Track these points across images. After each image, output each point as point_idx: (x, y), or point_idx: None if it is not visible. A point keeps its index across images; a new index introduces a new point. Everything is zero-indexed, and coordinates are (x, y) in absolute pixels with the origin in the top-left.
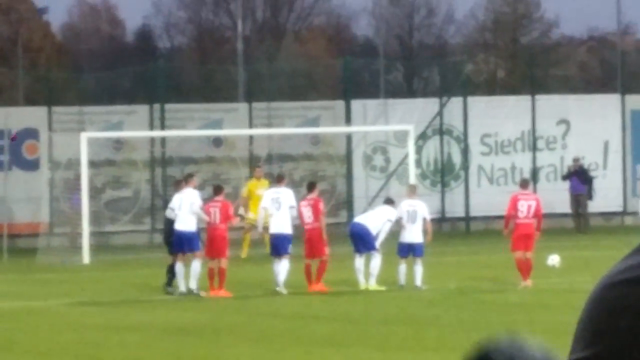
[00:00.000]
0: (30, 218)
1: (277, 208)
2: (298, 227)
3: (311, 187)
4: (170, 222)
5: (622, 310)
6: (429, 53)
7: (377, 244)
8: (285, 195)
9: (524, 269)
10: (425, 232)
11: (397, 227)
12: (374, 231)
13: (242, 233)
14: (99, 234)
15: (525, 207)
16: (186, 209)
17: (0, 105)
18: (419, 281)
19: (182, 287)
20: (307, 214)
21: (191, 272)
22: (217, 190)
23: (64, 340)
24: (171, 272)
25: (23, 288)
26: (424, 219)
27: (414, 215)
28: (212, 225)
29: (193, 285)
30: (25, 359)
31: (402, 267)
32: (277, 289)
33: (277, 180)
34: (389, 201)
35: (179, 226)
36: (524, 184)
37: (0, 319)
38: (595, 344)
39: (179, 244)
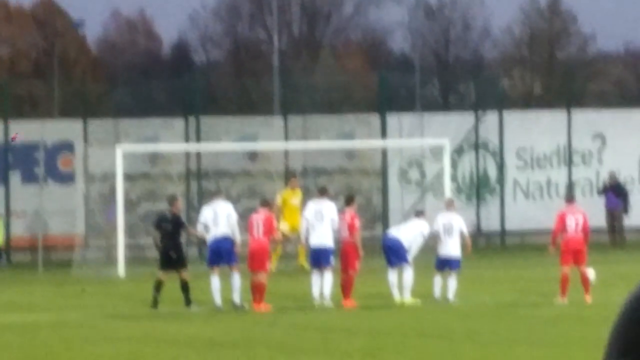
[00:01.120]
0: (65, 231)
1: (320, 220)
2: (336, 240)
3: (349, 200)
4: (168, 237)
5: None
6: (464, 67)
7: (410, 257)
8: (327, 207)
9: (568, 285)
10: (464, 246)
11: (433, 241)
12: (406, 244)
13: (273, 245)
14: (134, 246)
15: (573, 221)
16: (223, 222)
17: (36, 118)
18: (451, 295)
19: (217, 301)
20: (344, 228)
21: (233, 286)
22: (264, 203)
23: (100, 353)
24: (157, 290)
25: (58, 301)
26: (462, 233)
27: (450, 229)
28: (254, 238)
29: (237, 299)
30: None
31: (437, 279)
32: (324, 303)
33: (319, 192)
34: (420, 213)
35: (214, 239)
36: (569, 199)
37: (36, 331)
38: (628, 354)
39: (213, 256)
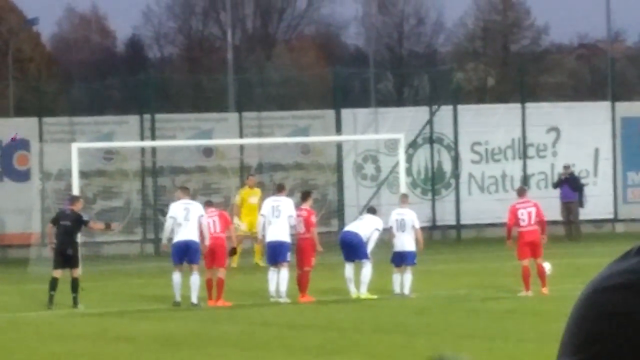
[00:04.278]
0: (21, 229)
1: (277, 216)
2: (292, 236)
3: (305, 196)
4: (65, 234)
5: (610, 316)
6: (418, 62)
7: (368, 252)
8: (285, 204)
9: (530, 277)
10: (416, 240)
11: (388, 236)
12: (364, 240)
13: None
14: (90, 244)
15: (525, 215)
16: (194, 220)
17: None
18: (407, 289)
19: (177, 297)
20: (300, 224)
21: (191, 286)
22: (209, 204)
23: (57, 351)
24: (53, 288)
25: (15, 299)
26: (414, 227)
27: (402, 224)
28: (211, 235)
29: (194, 299)
30: None
31: (396, 277)
32: (280, 299)
33: (277, 189)
34: (373, 210)
35: (185, 236)
36: (521, 192)
37: None
38: (583, 351)
39: (180, 254)
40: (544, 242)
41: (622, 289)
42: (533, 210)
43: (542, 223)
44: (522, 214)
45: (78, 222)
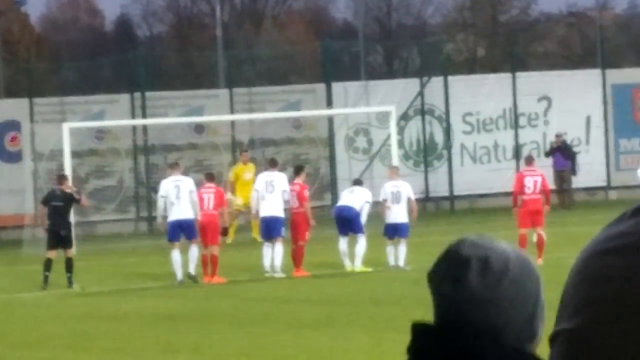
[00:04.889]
0: (14, 210)
1: (271, 191)
2: (286, 211)
3: (298, 170)
4: (58, 214)
5: (605, 279)
6: (408, 34)
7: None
8: (278, 179)
9: (526, 246)
10: (410, 211)
11: (380, 209)
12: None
13: (229, 218)
14: (84, 223)
15: (531, 183)
16: (185, 197)
17: None
18: (402, 262)
19: (179, 276)
20: (293, 199)
21: (190, 258)
22: (210, 177)
23: (53, 331)
24: (47, 269)
25: (9, 280)
26: (409, 199)
27: (398, 196)
28: (205, 212)
29: (192, 270)
30: (15, 350)
31: (390, 249)
32: (275, 274)
33: (270, 164)
34: (360, 182)
35: (179, 215)
36: (529, 160)
37: None
38: (580, 314)
39: (176, 232)
40: (547, 212)
41: (617, 251)
42: (539, 179)
43: (546, 193)
44: (529, 182)
45: (69, 201)
